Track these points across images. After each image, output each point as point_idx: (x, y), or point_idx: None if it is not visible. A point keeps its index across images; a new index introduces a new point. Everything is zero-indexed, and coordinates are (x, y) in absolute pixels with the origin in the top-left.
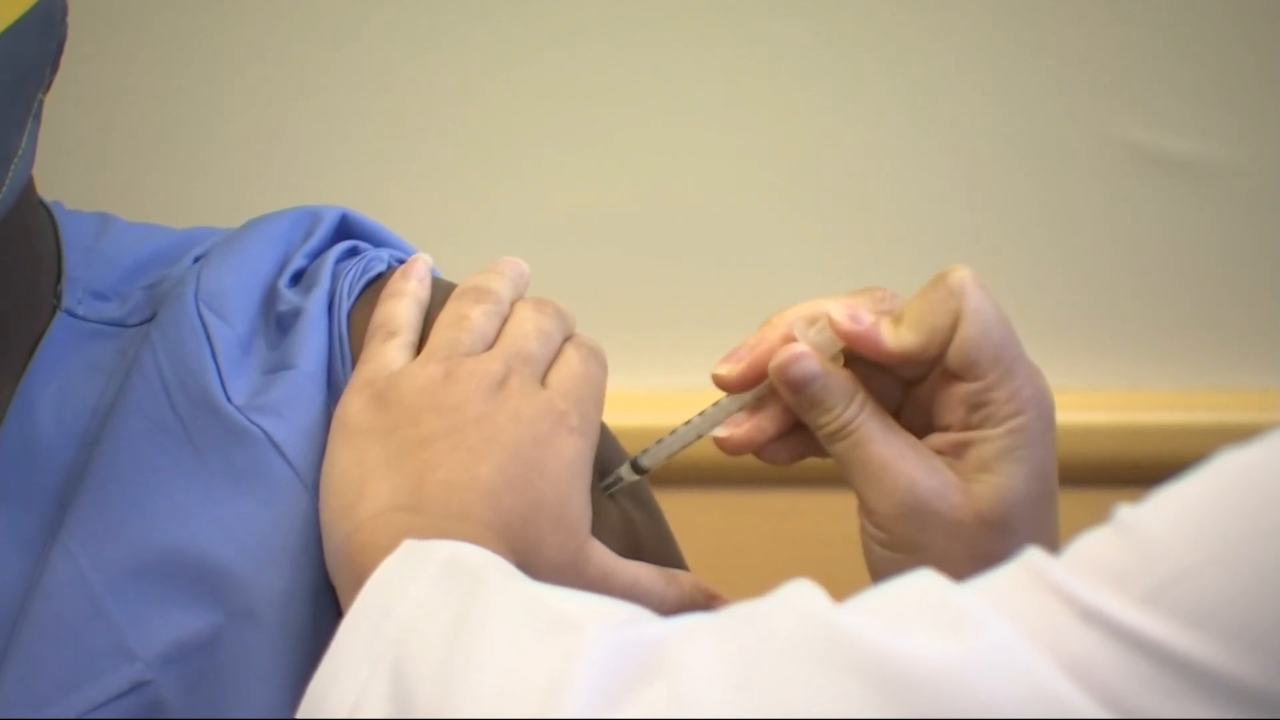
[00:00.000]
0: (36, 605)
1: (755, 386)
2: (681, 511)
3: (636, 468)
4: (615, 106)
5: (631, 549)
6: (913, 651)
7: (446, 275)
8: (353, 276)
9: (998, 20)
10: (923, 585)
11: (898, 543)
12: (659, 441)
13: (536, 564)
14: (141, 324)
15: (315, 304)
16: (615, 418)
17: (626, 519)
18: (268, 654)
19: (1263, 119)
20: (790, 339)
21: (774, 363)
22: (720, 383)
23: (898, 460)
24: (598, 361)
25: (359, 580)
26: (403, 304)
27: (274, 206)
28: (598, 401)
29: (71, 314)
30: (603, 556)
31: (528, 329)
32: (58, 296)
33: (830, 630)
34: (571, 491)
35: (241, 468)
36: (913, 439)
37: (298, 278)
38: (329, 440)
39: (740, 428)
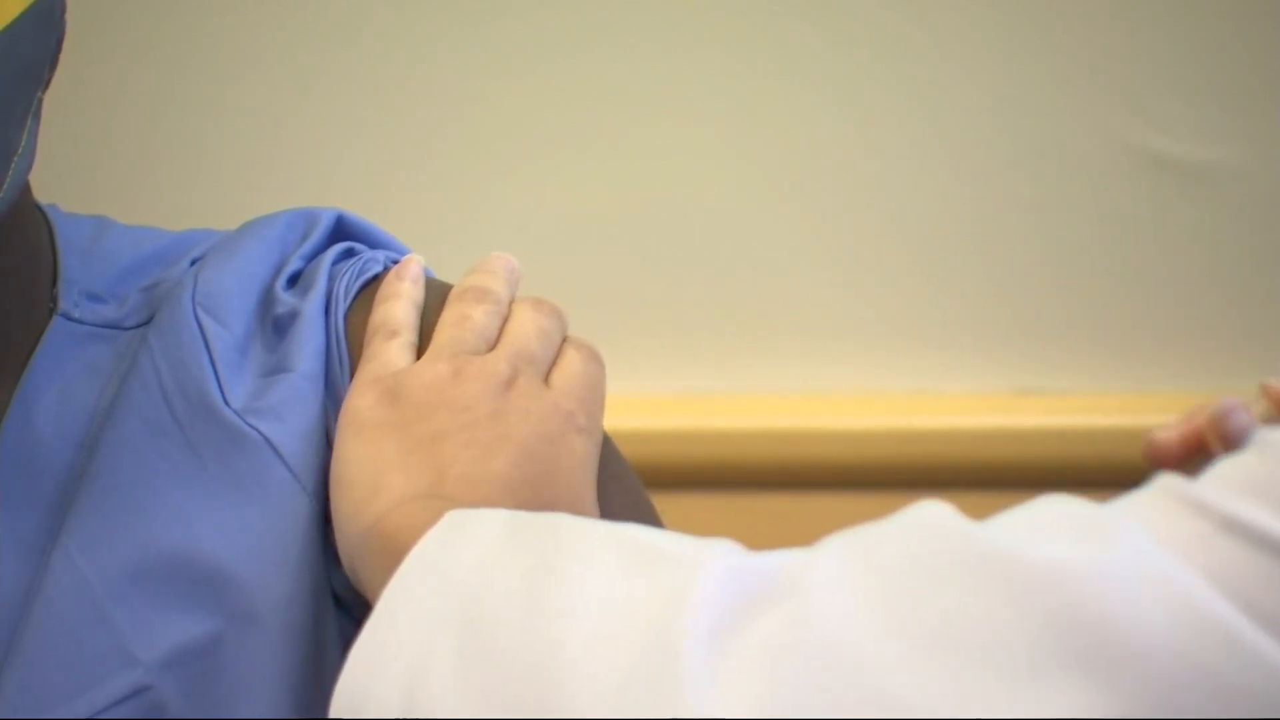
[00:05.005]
0: (37, 610)
1: (1186, 457)
2: (682, 513)
3: None
4: (618, 109)
5: None
6: (1052, 557)
7: (447, 277)
8: (349, 278)
9: (1001, 24)
10: (1058, 503)
11: None
12: None
13: None
14: (138, 326)
15: (312, 306)
16: (616, 420)
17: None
18: (269, 657)
19: (1266, 122)
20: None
21: (1208, 413)
22: (1153, 448)
23: None
24: (597, 361)
25: (396, 558)
26: (400, 305)
27: (274, 208)
28: (600, 402)
29: (68, 317)
30: None
31: (528, 329)
32: (54, 299)
33: (967, 542)
34: (583, 491)
35: (240, 471)
36: None
37: (294, 280)
38: (338, 436)
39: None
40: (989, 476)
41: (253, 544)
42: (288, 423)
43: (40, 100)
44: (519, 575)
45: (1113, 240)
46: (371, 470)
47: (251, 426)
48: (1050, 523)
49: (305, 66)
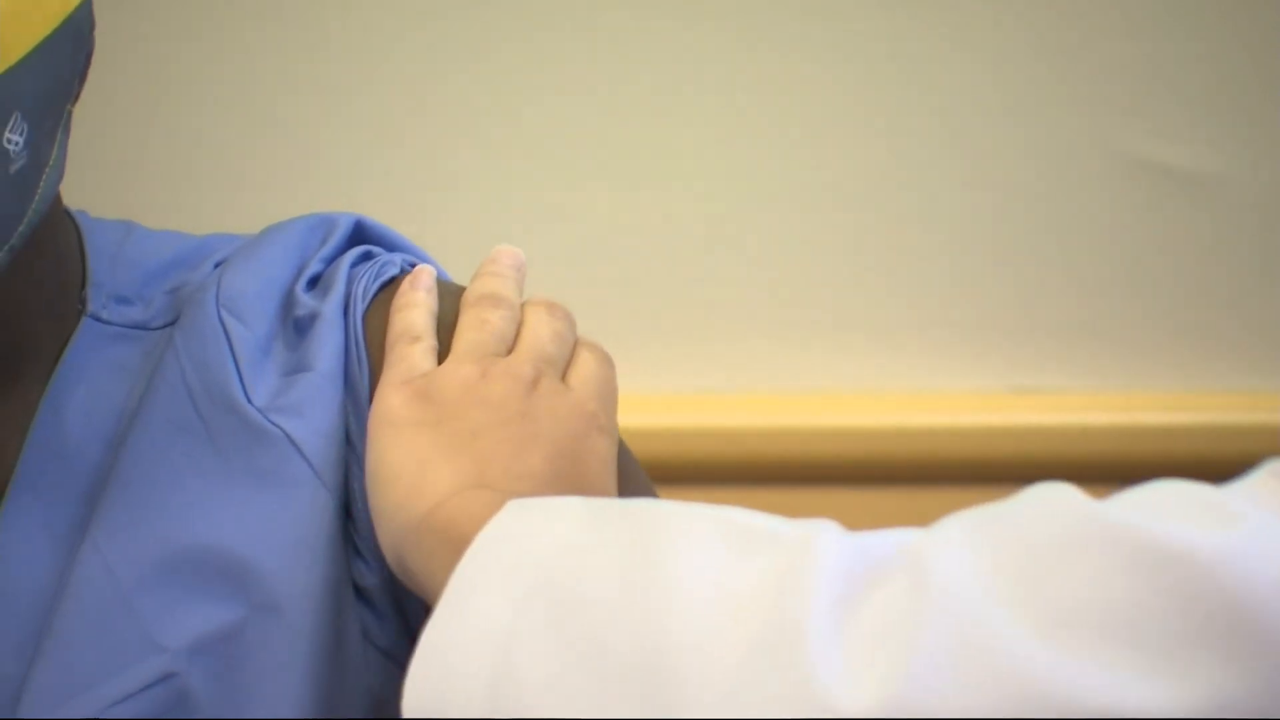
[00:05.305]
0: (67, 599)
1: None
2: None
3: None
4: (631, 112)
5: None
6: (1182, 537)
7: (461, 277)
8: (367, 280)
9: (1006, 38)
10: (1177, 486)
11: None
12: None
13: None
14: (164, 327)
15: (331, 307)
16: (624, 418)
17: None
18: (290, 646)
19: (1260, 131)
20: None
21: None
22: None
23: None
24: (609, 363)
25: (459, 545)
26: (417, 313)
27: (287, 213)
28: (615, 402)
29: (96, 318)
30: None
31: (544, 333)
32: (83, 302)
33: (1094, 523)
34: (608, 487)
35: (262, 467)
36: None
37: (314, 282)
38: (371, 436)
39: None
40: (987, 472)
41: (275, 536)
42: (308, 420)
43: (70, 113)
44: (613, 557)
45: (1108, 244)
46: (413, 465)
47: (273, 423)
48: (1174, 504)
49: (309, 69)
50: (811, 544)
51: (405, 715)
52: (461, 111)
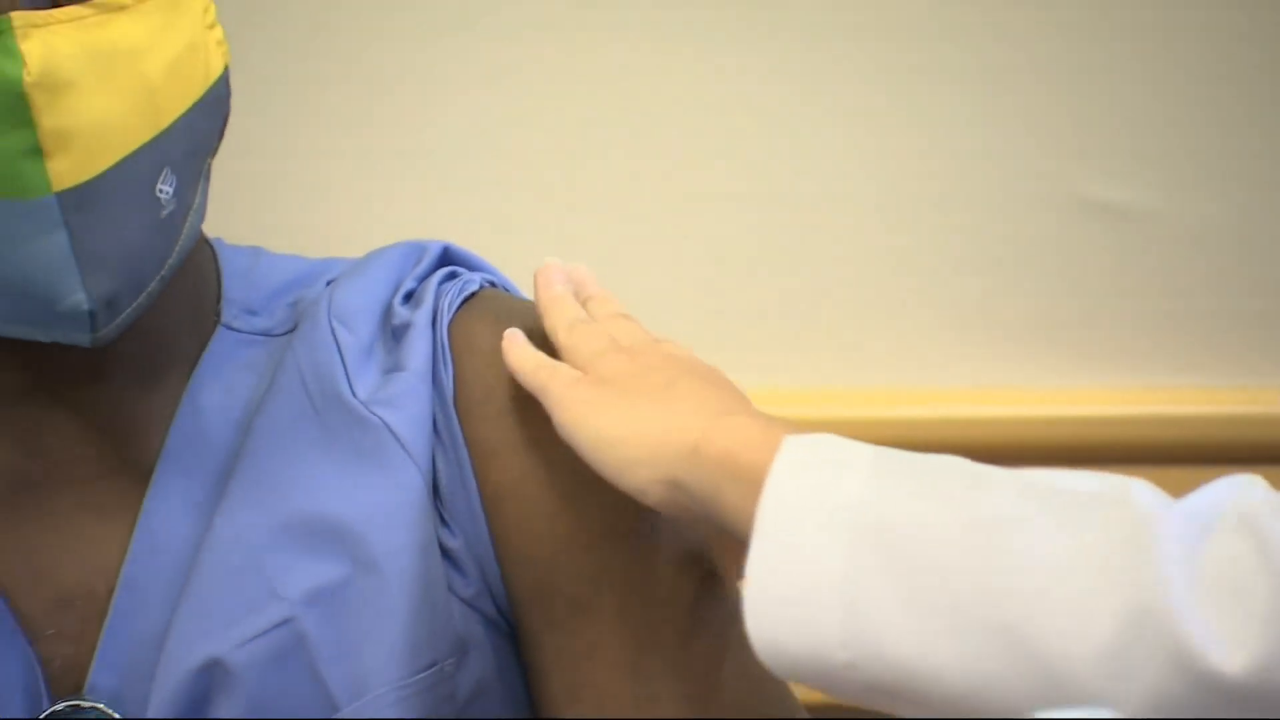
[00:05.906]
0: (204, 558)
1: None
2: None
3: None
4: (665, 121)
5: None
6: None
7: (505, 269)
8: (451, 295)
9: (986, 92)
10: None
11: None
12: None
13: None
14: (285, 334)
15: (422, 318)
16: None
17: None
18: (386, 597)
19: (1186, 175)
20: None
21: None
22: None
23: None
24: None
25: (746, 474)
26: (531, 353)
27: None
28: None
29: (229, 327)
30: None
31: (637, 330)
32: (218, 314)
33: None
34: None
35: (365, 449)
36: None
37: (409, 297)
38: (576, 421)
39: None
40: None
41: (375, 506)
42: (402, 411)
43: (209, 165)
44: (943, 509)
45: (1061, 266)
46: (644, 415)
47: (374, 413)
48: None
49: (332, 78)
50: (1138, 502)
51: (758, 648)
52: (495, 127)
